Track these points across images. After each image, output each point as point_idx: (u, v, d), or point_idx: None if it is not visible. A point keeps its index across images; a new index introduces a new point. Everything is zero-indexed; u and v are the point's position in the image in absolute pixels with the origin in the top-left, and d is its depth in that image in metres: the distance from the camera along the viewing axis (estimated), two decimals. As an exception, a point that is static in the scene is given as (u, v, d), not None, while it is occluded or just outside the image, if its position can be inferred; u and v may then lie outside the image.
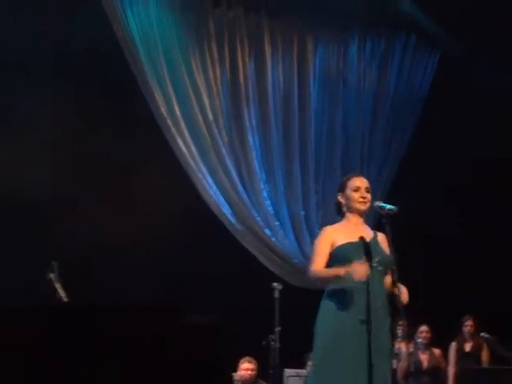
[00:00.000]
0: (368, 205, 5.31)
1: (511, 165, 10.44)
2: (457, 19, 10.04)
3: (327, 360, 5.11)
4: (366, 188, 5.35)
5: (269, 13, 10.14)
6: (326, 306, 5.22)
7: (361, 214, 5.34)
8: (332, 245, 5.21)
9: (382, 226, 5.22)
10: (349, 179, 5.42)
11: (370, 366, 4.90)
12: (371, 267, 5.03)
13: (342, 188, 5.41)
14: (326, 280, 5.15)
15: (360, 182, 5.36)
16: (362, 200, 5.30)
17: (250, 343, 8.47)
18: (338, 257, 5.16)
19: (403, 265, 5.19)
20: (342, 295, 5.08)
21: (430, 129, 10.46)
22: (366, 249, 5.09)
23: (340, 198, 5.40)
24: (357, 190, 5.32)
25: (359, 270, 4.91)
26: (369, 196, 5.33)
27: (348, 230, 5.26)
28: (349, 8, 10.09)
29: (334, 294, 5.14)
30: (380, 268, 5.12)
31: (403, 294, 5.06)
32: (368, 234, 5.28)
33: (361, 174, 5.69)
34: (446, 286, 10.25)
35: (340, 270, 4.99)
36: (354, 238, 5.19)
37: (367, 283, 4.97)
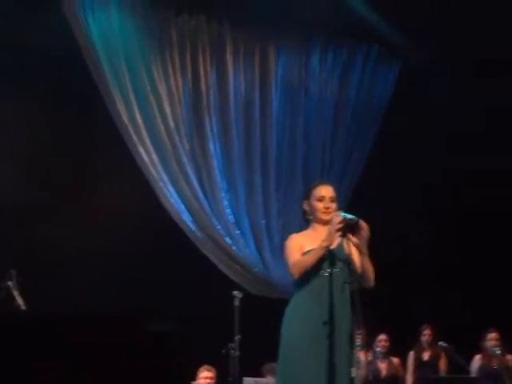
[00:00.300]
0: (331, 215, 5.25)
1: (471, 175, 10.56)
2: (418, 29, 10.14)
3: (292, 367, 5.12)
4: (331, 198, 5.33)
5: (231, 22, 10.14)
6: (291, 313, 5.23)
7: (325, 223, 5.30)
8: (301, 249, 5.23)
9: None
10: (314, 187, 5.41)
11: (333, 366, 4.92)
12: (332, 274, 5.08)
13: (306, 196, 5.41)
14: (310, 263, 5.11)
15: (325, 192, 5.35)
16: (325, 210, 5.29)
17: (209, 351, 8.46)
18: None
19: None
20: (306, 301, 5.10)
21: (390, 138, 10.55)
22: (330, 256, 5.13)
23: (305, 206, 5.41)
24: (321, 199, 5.31)
25: (335, 222, 5.01)
26: (333, 206, 5.32)
27: (314, 237, 5.26)
28: (311, 18, 10.12)
29: (299, 299, 5.17)
30: (345, 277, 5.13)
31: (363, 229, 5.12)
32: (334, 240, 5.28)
33: (327, 182, 5.63)
34: (405, 295, 10.31)
35: (318, 245, 5.06)
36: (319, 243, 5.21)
37: (329, 292, 5.00)
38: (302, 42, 10.63)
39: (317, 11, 9.81)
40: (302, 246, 5.24)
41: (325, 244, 5.06)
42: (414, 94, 10.51)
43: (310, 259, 5.11)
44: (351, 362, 5.03)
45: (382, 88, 10.95)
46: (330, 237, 5.06)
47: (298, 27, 10.42)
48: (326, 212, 5.28)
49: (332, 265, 5.14)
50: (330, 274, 5.10)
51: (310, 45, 10.68)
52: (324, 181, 5.66)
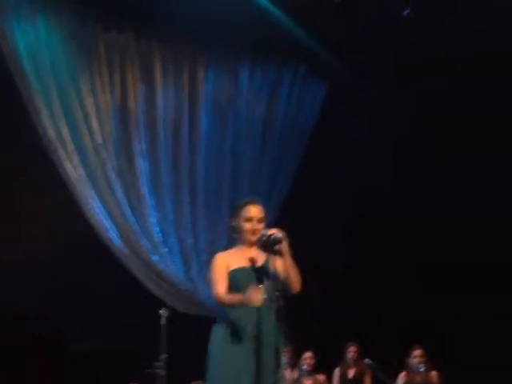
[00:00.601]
0: (257, 235, 5.24)
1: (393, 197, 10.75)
2: (344, 47, 10.31)
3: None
4: (259, 219, 5.29)
5: (160, 39, 10.12)
6: (218, 331, 5.22)
7: (251, 244, 5.31)
8: (227, 268, 5.21)
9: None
10: (243, 207, 5.35)
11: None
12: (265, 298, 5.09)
13: (235, 214, 5.37)
14: (231, 305, 5.09)
15: (253, 212, 5.29)
16: (252, 233, 5.27)
17: (136, 370, 8.39)
18: (232, 282, 5.18)
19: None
20: (234, 321, 5.10)
21: (318, 156, 10.68)
22: (256, 274, 5.14)
23: (232, 223, 5.40)
24: (249, 220, 5.28)
25: (254, 297, 4.89)
26: (260, 227, 5.28)
27: (240, 255, 5.27)
28: (240, 37, 10.20)
29: (226, 320, 5.15)
30: (268, 295, 5.10)
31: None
32: (260, 258, 5.28)
33: (256, 201, 5.47)
34: (331, 313, 10.40)
35: (239, 297, 4.98)
36: (247, 263, 5.23)
37: (257, 309, 5.02)
38: (231, 61, 10.67)
39: (245, 30, 9.88)
40: (228, 264, 5.22)
41: (244, 303, 4.97)
42: (342, 112, 10.66)
43: (231, 304, 5.08)
44: (277, 379, 5.04)
45: (309, 106, 11.10)
46: (248, 303, 4.97)
47: (227, 46, 10.49)
48: (253, 234, 5.26)
49: (259, 282, 5.12)
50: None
51: (238, 63, 10.74)
52: (253, 199, 5.45)
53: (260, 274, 5.17)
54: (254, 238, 5.27)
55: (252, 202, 5.38)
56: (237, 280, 5.18)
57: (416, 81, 10.29)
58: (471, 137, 10.71)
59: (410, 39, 10.03)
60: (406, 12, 10.08)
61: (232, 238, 5.53)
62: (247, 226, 5.28)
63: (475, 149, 10.83)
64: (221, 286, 5.15)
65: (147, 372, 8.15)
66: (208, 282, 5.36)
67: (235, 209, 5.41)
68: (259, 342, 5.03)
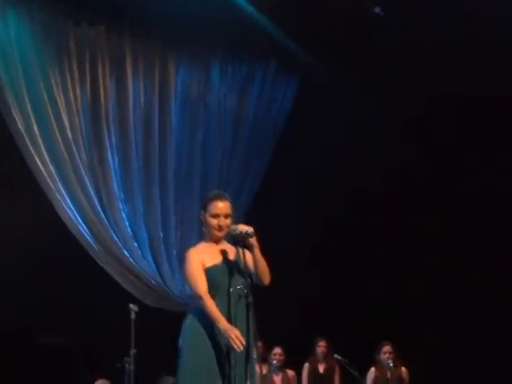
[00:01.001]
0: (225, 231, 5.29)
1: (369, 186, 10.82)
2: (317, 45, 10.35)
3: (191, 380, 5.11)
4: (226, 214, 5.30)
5: (131, 33, 10.07)
6: (190, 326, 5.22)
7: (218, 239, 5.35)
8: (202, 265, 5.20)
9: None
10: (210, 201, 5.34)
11: (230, 380, 5.01)
12: (231, 291, 5.11)
13: (203, 208, 5.38)
14: (208, 313, 5.05)
15: (220, 209, 5.29)
16: (217, 228, 5.28)
17: (105, 365, 8.37)
18: (208, 280, 5.17)
19: (260, 289, 5.29)
20: (205, 314, 5.09)
21: (289, 151, 10.72)
22: (229, 269, 5.19)
23: (201, 217, 5.40)
24: (215, 216, 5.29)
25: (237, 342, 4.88)
26: (227, 222, 5.29)
27: (211, 251, 5.29)
28: (211, 32, 10.20)
29: (198, 312, 5.16)
30: (243, 292, 5.15)
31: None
32: (230, 252, 5.32)
33: (223, 195, 5.48)
34: (302, 307, 10.44)
35: (220, 320, 4.96)
36: (219, 259, 5.25)
37: (228, 304, 5.09)
38: (202, 57, 10.67)
39: (217, 26, 9.89)
40: (203, 262, 5.22)
41: (220, 327, 4.98)
42: (312, 108, 10.70)
43: (210, 314, 5.03)
44: (248, 374, 5.06)
45: (280, 102, 11.14)
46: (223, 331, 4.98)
47: (198, 41, 10.49)
48: (219, 230, 5.29)
49: (231, 276, 5.18)
50: (230, 291, 5.13)
51: (209, 59, 10.74)
52: (221, 194, 5.47)
53: (232, 268, 5.21)
54: (220, 234, 5.31)
55: (219, 197, 5.39)
56: (213, 278, 5.19)
57: (387, 77, 10.35)
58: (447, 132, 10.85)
59: (381, 36, 10.07)
60: (377, 9, 10.14)
61: (202, 232, 5.52)
62: (214, 221, 5.29)
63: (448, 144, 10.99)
64: (203, 285, 5.14)
65: (117, 367, 8.12)
66: (186, 280, 5.36)
67: (204, 203, 5.40)
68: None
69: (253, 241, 5.17)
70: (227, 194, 5.51)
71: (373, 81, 10.51)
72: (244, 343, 4.92)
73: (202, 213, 5.37)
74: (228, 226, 5.28)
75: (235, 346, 4.88)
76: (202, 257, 5.24)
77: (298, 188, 10.68)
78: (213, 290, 5.14)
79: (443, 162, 11.18)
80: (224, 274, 5.19)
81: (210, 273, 5.20)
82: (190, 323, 5.23)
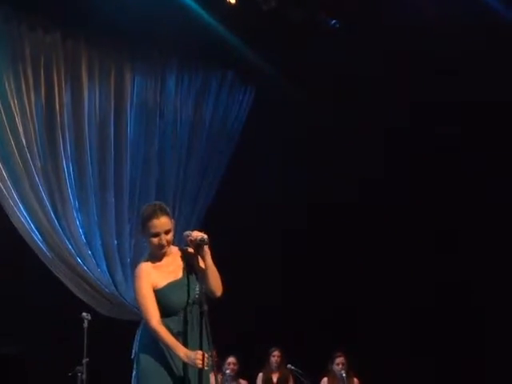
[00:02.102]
0: (168, 247, 5.14)
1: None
2: (273, 56, 10.41)
3: None
4: (166, 230, 5.11)
5: (87, 41, 10.02)
6: (145, 338, 5.13)
7: (162, 256, 5.19)
8: (153, 287, 5.07)
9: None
10: (148, 220, 5.10)
11: None
12: (189, 304, 5.07)
13: (142, 227, 5.18)
14: (162, 341, 4.97)
15: (160, 226, 5.08)
16: (159, 247, 5.11)
17: (58, 374, 8.28)
18: (160, 301, 5.06)
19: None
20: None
21: (245, 161, 10.75)
22: (181, 287, 5.10)
23: (142, 234, 5.24)
24: (156, 235, 5.10)
25: (197, 361, 4.84)
26: (168, 238, 5.12)
27: (161, 267, 5.17)
28: (167, 41, 10.21)
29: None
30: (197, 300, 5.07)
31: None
32: (178, 264, 5.21)
33: (159, 210, 5.15)
34: (255, 316, 10.46)
35: (179, 349, 4.90)
36: (170, 276, 5.14)
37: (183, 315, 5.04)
38: (158, 65, 10.65)
39: (173, 35, 9.90)
40: (154, 283, 5.08)
41: (180, 356, 4.93)
42: (268, 118, 10.75)
43: (163, 341, 4.96)
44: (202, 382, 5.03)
45: (236, 112, 11.20)
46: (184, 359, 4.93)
47: (154, 50, 10.50)
48: (161, 248, 5.12)
49: (185, 292, 5.10)
50: (186, 310, 5.07)
51: (165, 68, 10.73)
52: (156, 211, 5.12)
53: (184, 282, 5.13)
54: (164, 251, 5.15)
55: (155, 215, 5.11)
56: (165, 298, 5.07)
57: (344, 87, 10.44)
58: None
59: (337, 48, 10.16)
60: (333, 22, 10.23)
61: None
62: (154, 241, 5.11)
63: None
64: (154, 315, 5.00)
65: (69, 376, 8.03)
66: (137, 304, 5.23)
67: (141, 221, 5.17)
68: (185, 346, 5.01)
69: (206, 249, 5.08)
70: (164, 205, 5.25)
71: (329, 93, 10.58)
72: (208, 358, 4.88)
73: (142, 231, 5.19)
74: (170, 241, 5.14)
75: (201, 366, 4.84)
76: (152, 278, 5.10)
77: (255, 196, 10.69)
78: (166, 309, 5.05)
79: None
80: (177, 292, 5.10)
81: (163, 294, 5.08)
82: (145, 336, 5.14)
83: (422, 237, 11.29)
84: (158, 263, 5.19)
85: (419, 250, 11.19)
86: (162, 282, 5.10)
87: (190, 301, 5.10)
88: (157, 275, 5.13)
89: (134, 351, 5.27)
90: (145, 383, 5.11)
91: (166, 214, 5.17)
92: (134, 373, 5.21)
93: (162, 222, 5.10)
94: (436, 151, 11.01)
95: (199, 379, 4.97)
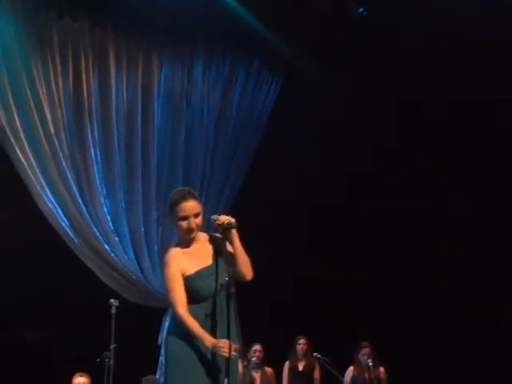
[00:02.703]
0: (197, 231, 5.11)
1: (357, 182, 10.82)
2: (301, 43, 10.37)
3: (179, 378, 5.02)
4: (195, 214, 5.08)
5: (114, 28, 10.03)
6: (175, 326, 5.09)
7: (191, 240, 5.15)
8: (182, 274, 5.03)
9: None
10: (176, 204, 5.08)
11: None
12: (218, 290, 5.04)
13: (170, 212, 5.16)
14: (189, 330, 4.93)
15: (188, 209, 5.05)
16: (189, 230, 5.07)
17: (85, 360, 8.33)
18: (190, 288, 5.03)
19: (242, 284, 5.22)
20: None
21: (272, 148, 10.72)
22: (210, 274, 5.06)
23: (171, 218, 5.22)
24: (185, 218, 5.07)
25: (223, 350, 4.81)
26: (198, 221, 5.10)
27: (191, 253, 5.13)
28: (194, 29, 10.20)
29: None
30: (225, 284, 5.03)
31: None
32: (207, 251, 5.18)
33: (188, 194, 5.16)
34: (282, 305, 10.46)
35: (205, 338, 4.87)
36: (200, 263, 5.10)
37: (214, 304, 5.00)
38: (185, 53, 10.64)
39: (201, 22, 9.89)
40: (183, 270, 5.05)
41: (207, 345, 4.89)
42: (295, 106, 10.72)
43: (190, 330, 4.93)
44: (229, 370, 4.99)
45: (263, 100, 11.14)
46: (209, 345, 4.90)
47: (182, 38, 10.48)
48: (190, 231, 5.08)
49: (214, 279, 5.06)
50: (215, 297, 5.04)
51: (192, 56, 10.71)
52: (185, 195, 5.12)
53: (212, 269, 5.09)
54: (192, 236, 5.12)
55: (184, 198, 5.10)
56: (197, 284, 5.04)
57: (371, 75, 10.38)
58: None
59: (365, 37, 10.11)
60: (361, 10, 10.19)
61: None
62: (183, 224, 5.08)
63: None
64: (182, 303, 4.98)
65: (96, 362, 8.08)
66: (166, 291, 5.17)
67: (170, 206, 5.15)
68: (213, 332, 4.98)
69: (234, 232, 5.04)
70: (192, 190, 5.25)
71: (356, 80, 10.53)
72: (236, 347, 4.83)
73: (170, 215, 5.18)
74: (199, 225, 5.11)
75: (227, 355, 4.79)
76: (182, 265, 5.07)
77: (280, 185, 10.67)
78: (195, 296, 5.03)
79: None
80: (206, 279, 5.06)
81: (193, 280, 5.06)
82: (174, 324, 5.11)
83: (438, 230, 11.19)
84: (187, 249, 5.15)
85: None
86: (191, 269, 5.07)
87: (218, 287, 5.05)
88: (186, 262, 5.09)
89: (160, 337, 5.26)
90: (173, 368, 5.08)
91: (195, 197, 5.15)
92: (162, 358, 5.21)
93: (191, 205, 5.08)
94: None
95: (227, 366, 4.94)
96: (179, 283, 5.03)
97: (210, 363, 4.99)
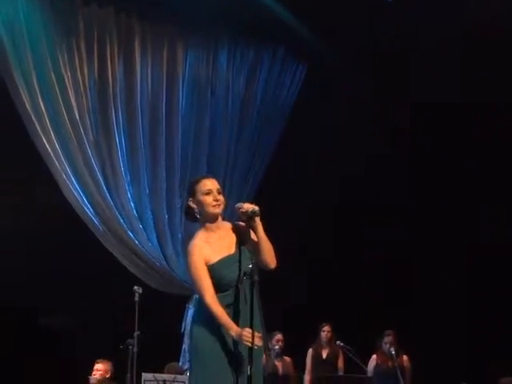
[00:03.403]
0: (222, 207, 5.08)
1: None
2: (326, 31, 10.32)
3: (204, 368, 5.00)
4: (218, 189, 5.08)
5: (140, 15, 10.06)
6: (200, 315, 5.06)
7: (217, 217, 5.11)
8: (206, 263, 4.99)
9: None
10: (197, 182, 5.11)
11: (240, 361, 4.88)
12: (242, 278, 5.01)
13: (191, 192, 5.11)
14: (215, 316, 4.89)
15: (211, 184, 5.08)
16: (215, 203, 5.04)
17: (109, 347, 8.36)
18: (214, 276, 4.98)
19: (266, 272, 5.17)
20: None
21: (296, 137, 10.68)
22: (235, 262, 5.00)
23: (191, 204, 5.11)
24: (208, 193, 5.04)
25: (245, 339, 4.75)
26: (222, 198, 5.08)
27: (214, 242, 5.08)
28: (220, 16, 10.17)
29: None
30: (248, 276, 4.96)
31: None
32: (231, 239, 5.14)
33: (208, 174, 5.34)
34: (304, 292, 10.45)
35: (231, 327, 4.82)
36: (224, 251, 5.06)
37: (237, 293, 4.96)
38: (210, 41, 10.64)
39: (226, 10, 9.86)
40: (206, 259, 5.00)
41: (232, 335, 4.84)
42: (320, 94, 10.67)
43: (216, 317, 4.89)
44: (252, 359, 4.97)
45: (288, 87, 11.14)
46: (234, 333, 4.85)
47: (207, 25, 10.47)
48: (216, 205, 5.05)
49: (238, 267, 5.00)
50: (238, 285, 4.98)
51: (218, 43, 10.71)
52: (205, 175, 5.36)
53: (236, 257, 5.03)
54: (218, 210, 5.07)
55: (205, 177, 5.20)
56: (219, 274, 4.99)
57: (396, 67, 10.32)
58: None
59: (392, 25, 10.04)
60: (389, -1, 10.14)
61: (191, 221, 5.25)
62: (208, 199, 5.04)
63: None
64: (209, 290, 4.93)
65: (120, 348, 8.10)
66: (191, 281, 5.13)
67: (189, 188, 5.16)
68: (236, 320, 4.97)
69: (258, 220, 4.98)
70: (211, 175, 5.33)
71: (381, 67, 10.46)
72: (260, 336, 4.76)
73: (191, 199, 5.11)
74: (223, 202, 5.08)
75: (250, 344, 4.73)
76: (206, 252, 5.02)
77: (304, 173, 10.64)
78: (219, 284, 4.97)
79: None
80: (230, 267, 5.01)
81: (217, 269, 5.00)
82: (199, 314, 5.08)
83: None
84: (211, 238, 5.10)
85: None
86: (215, 258, 5.02)
87: (242, 275, 5.00)
88: (210, 250, 5.05)
89: (184, 325, 5.24)
90: (197, 356, 5.06)
91: (216, 180, 5.19)
92: (186, 345, 5.18)
93: (213, 181, 5.12)
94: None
95: (250, 355, 4.92)
96: (204, 271, 4.99)
97: (235, 352, 4.97)
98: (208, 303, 4.92)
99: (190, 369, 5.22)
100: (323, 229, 10.87)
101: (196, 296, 5.14)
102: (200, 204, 5.07)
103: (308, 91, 11.04)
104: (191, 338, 5.15)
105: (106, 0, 9.76)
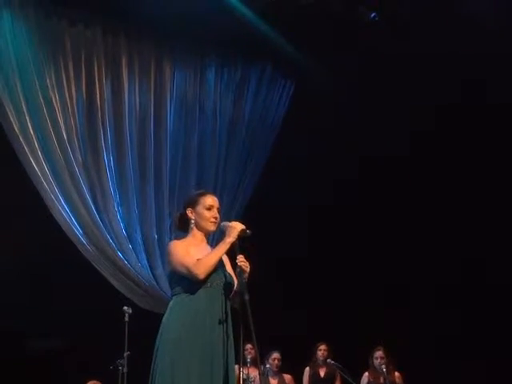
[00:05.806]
0: (217, 226, 5.18)
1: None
2: (313, 48, 10.36)
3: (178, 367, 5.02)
4: (218, 208, 5.21)
5: (127, 35, 10.08)
6: (178, 316, 5.08)
7: (209, 233, 5.22)
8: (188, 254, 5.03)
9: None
10: (201, 195, 5.22)
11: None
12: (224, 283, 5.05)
13: (192, 203, 5.20)
14: (215, 261, 4.96)
15: (214, 201, 5.19)
16: (213, 220, 5.14)
17: (99, 367, 8.32)
18: None
19: (256, 288, 5.17)
20: (196, 303, 5.01)
21: (285, 155, 10.69)
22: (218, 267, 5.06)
23: (189, 213, 5.18)
24: (210, 208, 5.16)
25: (244, 264, 4.94)
26: (219, 217, 5.20)
27: (197, 245, 5.14)
28: (206, 35, 10.19)
29: (186, 303, 5.05)
30: (222, 289, 5.05)
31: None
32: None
33: (213, 192, 5.51)
34: (297, 311, 10.42)
35: (226, 239, 4.98)
36: (208, 252, 5.09)
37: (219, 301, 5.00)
38: (198, 59, 10.67)
39: (212, 29, 9.88)
40: (189, 252, 5.03)
41: (229, 240, 4.99)
42: (308, 111, 10.69)
43: (215, 257, 4.97)
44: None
45: (276, 105, 11.14)
46: (232, 233, 5.01)
47: (194, 44, 10.50)
48: (213, 222, 5.15)
49: (220, 272, 5.08)
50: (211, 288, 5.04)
51: (205, 62, 10.73)
52: (209, 191, 5.43)
53: (220, 264, 5.10)
54: (213, 228, 5.16)
55: (209, 192, 5.33)
56: None
57: (384, 81, 10.35)
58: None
59: (377, 41, 10.08)
60: (372, 15, 10.15)
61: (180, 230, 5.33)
62: (208, 214, 5.14)
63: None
64: (192, 261, 4.94)
65: (110, 369, 8.07)
66: (175, 269, 5.06)
67: (192, 199, 5.24)
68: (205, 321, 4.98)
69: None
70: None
71: (369, 84, 10.49)
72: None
73: (191, 209, 5.18)
74: (219, 221, 5.19)
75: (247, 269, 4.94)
76: (190, 249, 5.06)
77: (294, 190, 10.64)
78: (193, 284, 4.99)
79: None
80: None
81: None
82: (177, 314, 5.10)
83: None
84: (194, 239, 5.16)
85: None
86: (199, 255, 5.02)
87: (224, 280, 5.06)
88: (193, 248, 5.08)
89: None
90: (175, 347, 5.02)
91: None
92: (159, 340, 5.17)
93: (216, 200, 5.25)
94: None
95: (226, 348, 4.97)
96: (187, 253, 5.00)
97: (212, 342, 4.96)
98: (196, 263, 4.93)
99: (162, 360, 5.20)
100: (310, 243, 10.88)
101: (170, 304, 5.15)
102: (198, 216, 5.17)
103: (296, 109, 11.05)
104: (168, 331, 5.09)
105: (93, 21, 9.78)
